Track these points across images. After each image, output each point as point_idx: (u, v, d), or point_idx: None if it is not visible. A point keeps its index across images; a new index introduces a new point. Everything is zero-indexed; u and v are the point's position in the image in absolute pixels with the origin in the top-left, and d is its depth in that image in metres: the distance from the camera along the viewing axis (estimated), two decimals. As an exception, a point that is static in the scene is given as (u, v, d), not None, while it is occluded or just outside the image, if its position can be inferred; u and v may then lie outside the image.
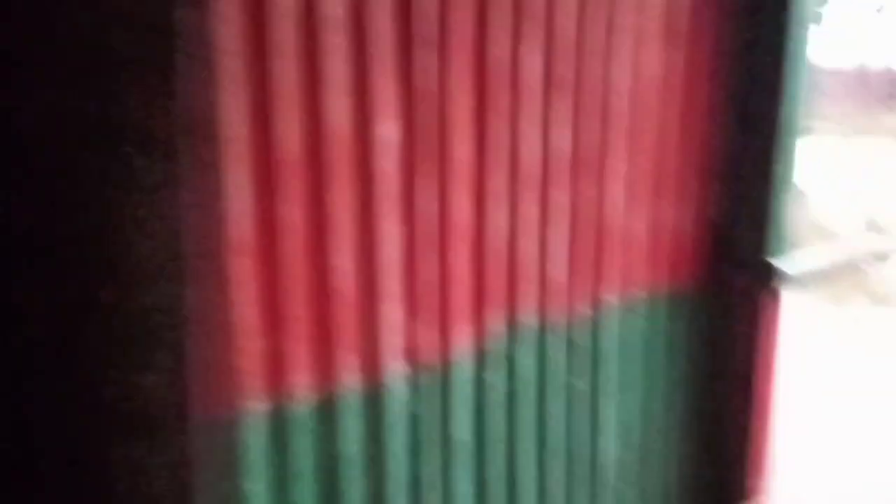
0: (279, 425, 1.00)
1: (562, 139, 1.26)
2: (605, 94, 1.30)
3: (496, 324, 1.24)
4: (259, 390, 0.97)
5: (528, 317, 1.27)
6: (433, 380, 1.16)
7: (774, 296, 1.53)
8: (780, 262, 1.51)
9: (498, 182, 1.20)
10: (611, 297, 1.39)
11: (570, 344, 1.34)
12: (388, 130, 1.05)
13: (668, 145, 1.43)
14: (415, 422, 1.15)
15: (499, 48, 1.15)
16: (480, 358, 1.22)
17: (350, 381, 1.06)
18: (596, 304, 1.36)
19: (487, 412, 1.25)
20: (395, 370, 1.11)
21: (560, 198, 1.28)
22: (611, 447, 1.45)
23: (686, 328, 1.54)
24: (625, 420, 1.47)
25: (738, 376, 1.56)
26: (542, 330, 1.29)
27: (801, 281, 1.58)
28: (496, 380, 1.25)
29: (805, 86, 1.50)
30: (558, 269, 1.30)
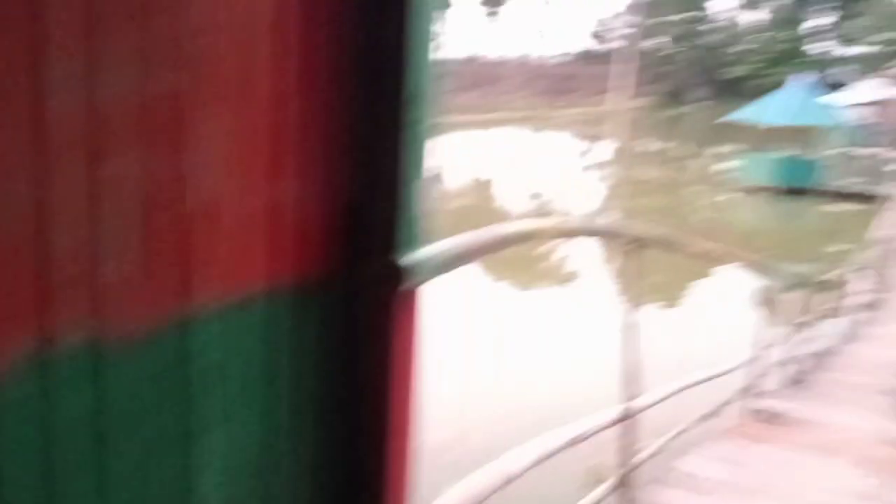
0: None
1: (119, 88, 0.92)
2: (188, 27, 0.99)
3: (17, 347, 0.87)
4: None
5: (73, 334, 0.92)
6: None
7: (410, 291, 1.40)
8: (413, 255, 1.38)
9: (12, 150, 0.83)
10: (208, 299, 1.08)
11: (143, 365, 1.02)
12: None
13: (284, 108, 1.17)
14: None
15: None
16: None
17: None
18: (185, 308, 1.05)
19: (13, 468, 0.88)
20: None
21: (120, 169, 0.93)
22: (213, 493, 1.18)
23: (313, 333, 1.30)
24: (233, 454, 1.19)
25: (371, 387, 1.40)
26: (97, 350, 0.94)
27: (434, 271, 1.49)
28: (21, 426, 0.88)
29: (433, 74, 1.37)
30: (121, 266, 0.96)
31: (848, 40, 61.04)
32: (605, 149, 41.87)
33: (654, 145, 42.66)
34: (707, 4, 66.88)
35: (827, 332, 8.11)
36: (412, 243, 1.36)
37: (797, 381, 6.90)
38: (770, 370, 6.35)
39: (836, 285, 8.19)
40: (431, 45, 1.30)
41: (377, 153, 1.30)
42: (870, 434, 5.39)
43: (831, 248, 17.42)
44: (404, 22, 1.23)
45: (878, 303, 10.28)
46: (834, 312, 8.04)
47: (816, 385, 6.85)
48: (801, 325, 6.68)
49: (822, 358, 7.72)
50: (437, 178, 1.51)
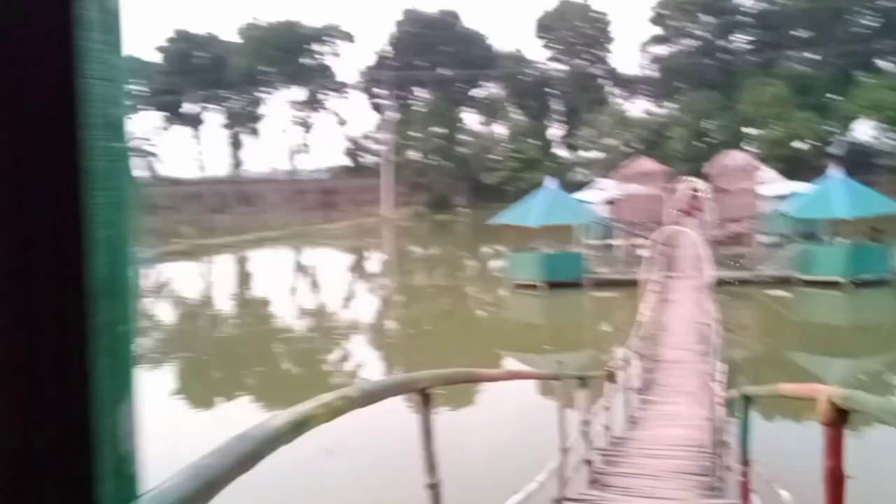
0: None
1: None
2: None
3: None
4: None
5: None
6: None
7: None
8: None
9: None
10: None
11: None
12: None
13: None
14: None
15: None
16: None
17: None
18: None
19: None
20: None
21: None
22: None
23: None
24: None
25: None
26: None
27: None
28: None
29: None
30: None
31: (578, 147, 71.09)
32: (375, 260, 42.78)
33: (424, 252, 44.64)
34: (461, 117, 73.93)
35: (610, 421, 8.25)
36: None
37: (596, 482, 6.79)
38: (571, 472, 6.15)
39: (610, 373, 8.47)
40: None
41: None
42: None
43: (602, 331, 18.88)
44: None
45: (649, 384, 10.96)
46: (610, 400, 8.25)
47: (615, 482, 6.79)
48: (587, 420, 6.62)
49: (613, 450, 7.82)
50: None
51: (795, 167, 48.49)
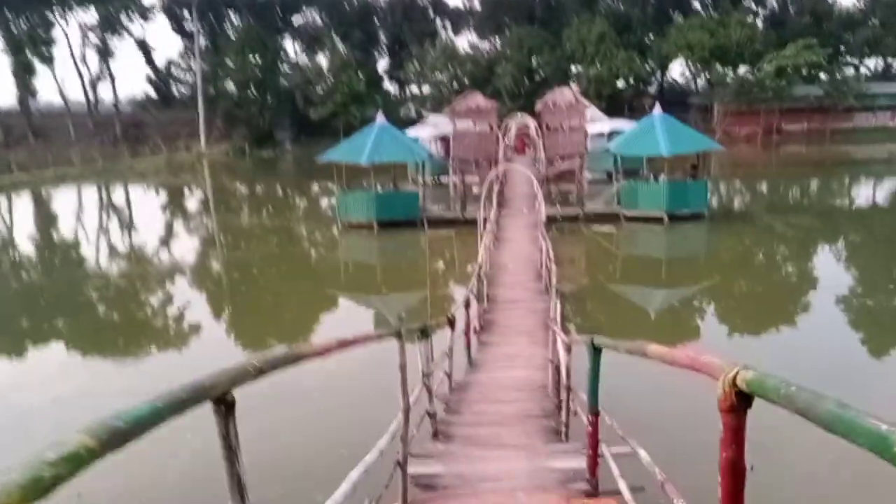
0: None
1: None
2: None
3: None
4: None
5: None
6: None
7: None
8: None
9: None
10: None
11: None
12: None
13: None
14: None
15: None
16: None
17: None
18: None
19: None
20: None
21: None
22: None
23: None
24: None
25: None
26: None
27: None
28: None
29: None
30: None
31: (407, 82, 70.44)
32: (194, 199, 40.03)
33: (248, 190, 42.44)
34: (282, 46, 70.03)
35: (451, 368, 8.11)
36: None
37: (440, 434, 6.59)
38: (414, 429, 5.87)
39: (450, 318, 8.30)
40: None
41: None
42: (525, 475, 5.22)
43: (439, 270, 18.92)
44: None
45: (488, 324, 11.02)
46: (451, 346, 8.11)
47: (458, 432, 6.64)
48: (428, 371, 6.34)
49: (455, 398, 7.70)
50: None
51: (617, 105, 51.64)
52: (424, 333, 6.32)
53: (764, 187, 34.73)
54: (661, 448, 3.72)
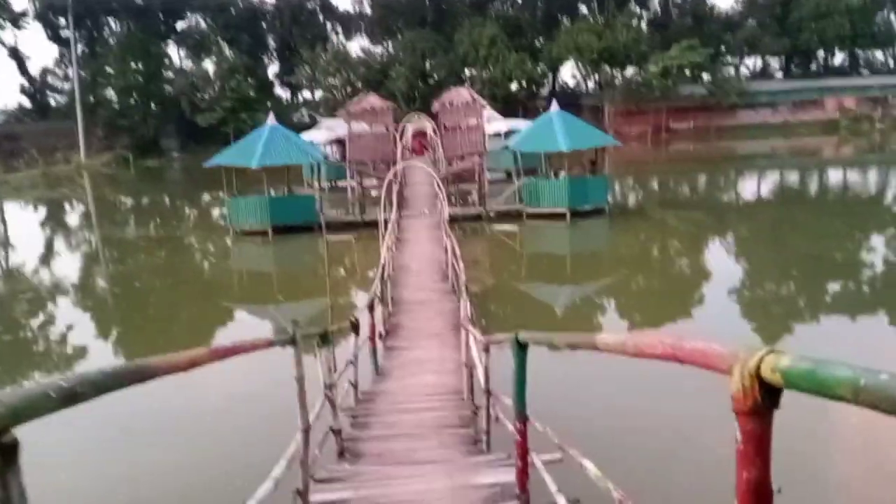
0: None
1: None
2: None
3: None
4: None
5: None
6: None
7: None
8: None
9: None
10: None
11: None
12: None
13: None
14: None
15: None
16: None
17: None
18: None
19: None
20: None
21: None
22: None
23: None
24: None
25: None
26: None
27: None
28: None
29: None
30: None
31: (298, 87, 68.75)
32: (75, 213, 37.22)
33: (133, 202, 39.97)
34: (165, 52, 66.78)
35: (357, 376, 7.44)
36: None
37: (347, 452, 5.92)
38: (317, 448, 5.20)
39: (353, 322, 7.63)
40: None
41: None
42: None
43: (339, 276, 18.11)
44: None
45: (394, 328, 10.39)
46: (355, 352, 7.44)
47: (367, 449, 5.98)
48: (331, 382, 5.66)
49: (362, 410, 7.03)
50: None
51: (511, 107, 52.25)
52: (325, 340, 5.63)
53: (656, 184, 35.89)
54: (606, 460, 3.22)
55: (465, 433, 6.31)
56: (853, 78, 63.60)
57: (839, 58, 69.57)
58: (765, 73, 70.12)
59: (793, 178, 35.46)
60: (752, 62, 71.67)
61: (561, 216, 21.52)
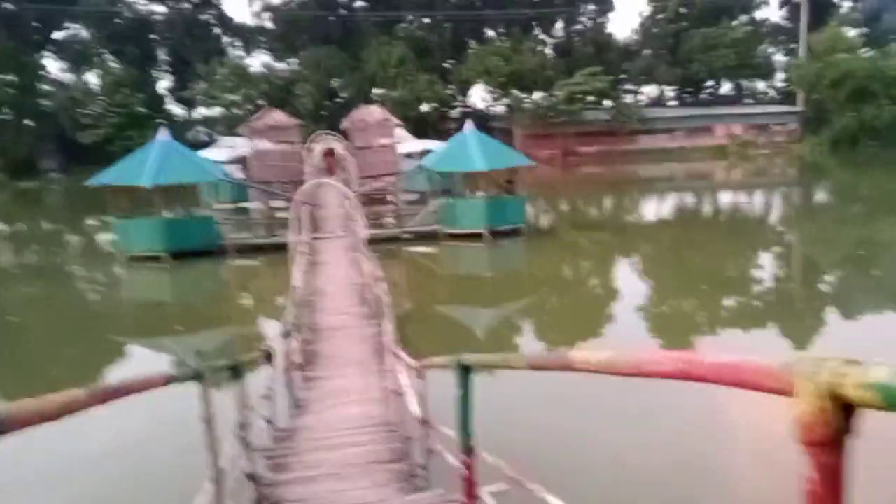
0: None
1: None
2: None
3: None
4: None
5: None
6: None
7: None
8: None
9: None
10: None
11: None
12: None
13: None
14: None
15: None
16: None
17: None
18: None
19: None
20: None
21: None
22: None
23: None
24: None
25: None
26: None
27: None
28: None
29: None
30: None
31: (194, 103, 66.36)
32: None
33: (5, 228, 37.03)
34: (41, 63, 63.02)
35: (273, 412, 6.76)
36: None
37: (265, 500, 5.25)
38: (231, 490, 4.55)
39: (266, 352, 6.95)
40: None
41: None
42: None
43: (245, 303, 17.10)
44: None
45: (311, 357, 9.70)
46: (271, 386, 6.76)
47: (288, 495, 5.34)
48: (244, 421, 5.02)
49: (280, 450, 6.34)
50: None
51: (422, 128, 52.28)
52: (236, 373, 4.98)
53: (568, 205, 36.56)
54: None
55: (398, 469, 5.77)
56: (740, 107, 67.77)
57: (726, 88, 74.14)
58: (660, 102, 73.69)
59: (689, 199, 37.04)
60: (648, 91, 75.37)
61: (478, 236, 21.33)
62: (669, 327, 13.33)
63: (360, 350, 9.87)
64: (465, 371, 3.50)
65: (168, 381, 2.96)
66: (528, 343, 12.88)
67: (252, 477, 5.12)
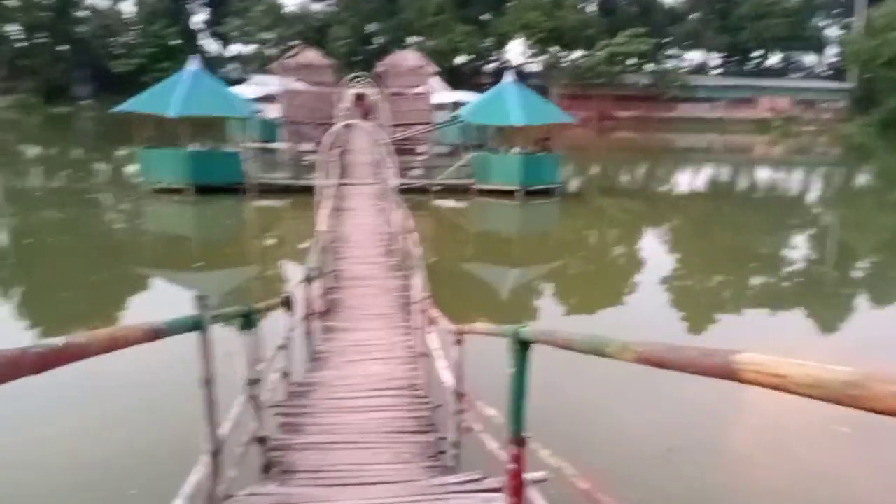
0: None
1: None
2: None
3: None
4: None
5: None
6: None
7: None
8: None
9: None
10: None
11: None
12: None
13: None
14: None
15: None
16: None
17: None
18: None
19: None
20: None
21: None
22: None
23: None
24: None
25: None
26: None
27: None
28: None
29: None
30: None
31: (229, 40, 65.17)
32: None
33: (38, 152, 36.71)
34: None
35: (289, 364, 6.14)
36: None
37: (273, 467, 4.64)
38: (235, 460, 3.94)
39: (285, 299, 6.30)
40: None
41: None
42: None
43: (267, 244, 16.54)
44: None
45: (333, 306, 9.06)
46: (289, 336, 6.12)
47: (301, 462, 4.72)
48: (254, 377, 4.36)
49: (294, 408, 5.73)
50: None
51: (456, 81, 50.88)
52: (249, 322, 4.31)
53: (602, 170, 35.47)
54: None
55: (423, 442, 5.13)
56: (787, 80, 65.27)
57: (773, 60, 71.36)
58: (703, 70, 71.26)
59: (741, 177, 35.69)
60: (692, 57, 72.83)
61: (510, 194, 20.46)
62: (696, 303, 12.71)
63: (385, 303, 9.21)
64: (523, 347, 2.79)
65: (155, 335, 2.27)
66: (554, 309, 12.18)
67: (261, 440, 4.51)
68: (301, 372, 6.74)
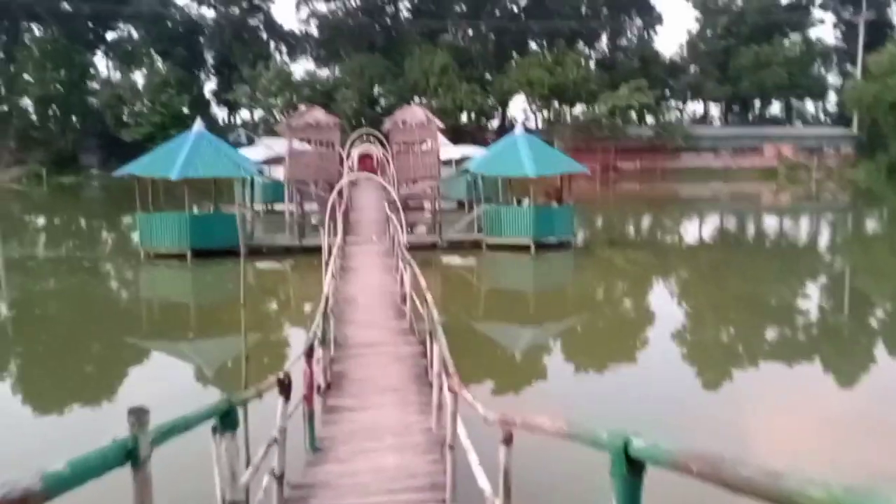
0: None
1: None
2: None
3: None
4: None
5: None
6: None
7: None
8: None
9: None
10: None
11: None
12: None
13: None
14: None
15: None
16: None
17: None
18: None
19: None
20: None
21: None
22: None
23: None
24: None
25: None
26: None
27: None
28: None
29: None
30: None
31: (237, 106, 65.46)
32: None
33: (43, 222, 36.08)
34: (91, 62, 62.96)
35: (283, 464, 4.96)
36: None
37: None
38: None
39: (281, 381, 5.15)
40: None
41: None
42: None
43: (268, 309, 15.45)
44: None
45: (338, 379, 7.87)
46: (282, 426, 4.97)
47: None
48: (234, 484, 3.21)
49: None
50: None
51: (460, 139, 50.52)
52: (227, 422, 3.19)
53: (610, 222, 34.51)
54: None
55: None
56: (791, 127, 64.83)
57: (775, 108, 71.28)
58: (705, 120, 71.09)
59: (750, 225, 34.65)
60: (693, 108, 72.84)
61: (524, 248, 19.38)
62: (711, 356, 11.97)
63: (396, 373, 8.03)
64: (635, 470, 1.66)
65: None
66: (571, 371, 11.01)
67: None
68: (299, 468, 5.54)
